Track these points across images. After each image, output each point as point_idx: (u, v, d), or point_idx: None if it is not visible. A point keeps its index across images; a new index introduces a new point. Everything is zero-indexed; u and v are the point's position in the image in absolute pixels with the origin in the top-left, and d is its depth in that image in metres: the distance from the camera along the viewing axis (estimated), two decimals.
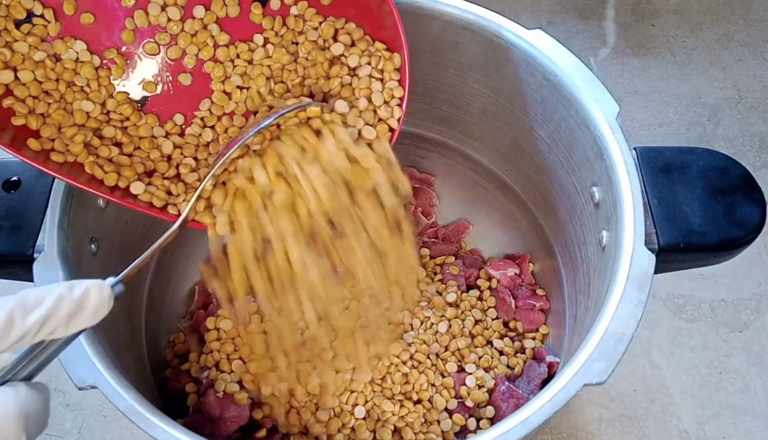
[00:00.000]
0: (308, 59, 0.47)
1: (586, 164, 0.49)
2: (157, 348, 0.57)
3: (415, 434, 0.51)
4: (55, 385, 0.65)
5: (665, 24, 0.91)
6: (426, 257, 0.63)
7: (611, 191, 0.46)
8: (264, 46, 0.47)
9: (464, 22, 0.51)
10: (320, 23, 0.47)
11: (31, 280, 0.43)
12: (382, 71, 0.46)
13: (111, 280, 0.34)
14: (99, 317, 0.32)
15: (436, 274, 0.61)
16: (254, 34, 0.47)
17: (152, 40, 0.46)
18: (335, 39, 0.47)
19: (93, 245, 0.48)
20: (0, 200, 0.46)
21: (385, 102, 0.46)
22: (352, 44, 0.47)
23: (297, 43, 0.48)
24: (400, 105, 0.46)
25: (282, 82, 0.47)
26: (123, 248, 0.53)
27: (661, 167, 0.47)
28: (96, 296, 0.32)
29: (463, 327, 0.56)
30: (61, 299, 0.30)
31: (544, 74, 0.50)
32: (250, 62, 0.47)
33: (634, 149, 0.47)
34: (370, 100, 0.46)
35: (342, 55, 0.47)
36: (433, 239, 0.65)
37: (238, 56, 0.47)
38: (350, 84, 0.46)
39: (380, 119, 0.46)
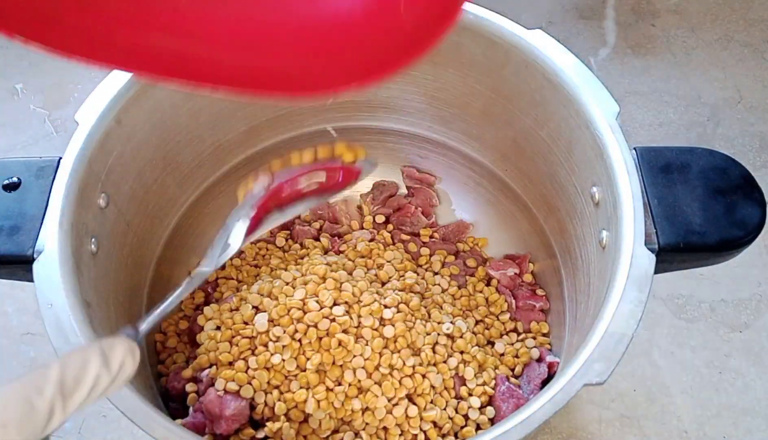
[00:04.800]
0: None
1: (586, 164, 0.49)
2: (157, 349, 0.57)
3: (415, 435, 0.50)
4: None
5: (665, 24, 0.91)
6: (426, 257, 0.63)
7: (611, 191, 0.46)
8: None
9: (464, 22, 0.51)
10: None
11: (31, 280, 0.43)
12: None
13: (131, 334, 0.34)
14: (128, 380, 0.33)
15: (435, 274, 0.61)
16: None
17: None
18: None
19: (93, 246, 0.48)
20: (0, 200, 0.46)
21: None
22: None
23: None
24: None
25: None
26: (123, 248, 0.53)
27: (661, 167, 0.47)
28: (130, 365, 0.32)
29: (464, 327, 0.56)
30: (99, 379, 0.30)
31: (544, 74, 0.50)
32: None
33: (634, 149, 0.47)
34: None
35: None
36: (433, 239, 0.65)
37: None
38: None
39: None
